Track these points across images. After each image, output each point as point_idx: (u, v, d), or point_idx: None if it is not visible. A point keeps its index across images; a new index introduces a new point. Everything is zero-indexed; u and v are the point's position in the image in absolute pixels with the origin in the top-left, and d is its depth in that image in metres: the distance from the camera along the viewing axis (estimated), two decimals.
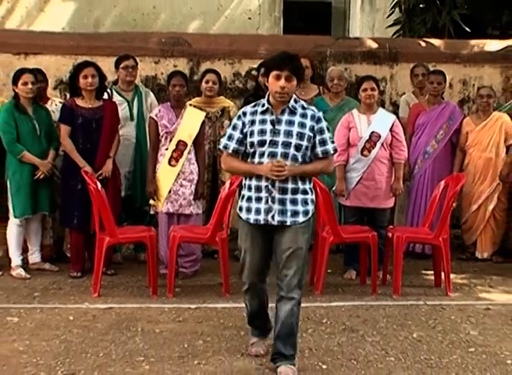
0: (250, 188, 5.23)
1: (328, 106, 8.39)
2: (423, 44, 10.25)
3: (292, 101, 5.21)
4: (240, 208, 5.33)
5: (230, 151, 5.28)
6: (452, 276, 7.68)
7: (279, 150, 5.12)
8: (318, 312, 6.74)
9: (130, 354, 5.76)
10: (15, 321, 6.47)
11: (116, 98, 8.17)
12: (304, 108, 5.27)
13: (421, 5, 11.21)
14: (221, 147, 5.42)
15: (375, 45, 10.15)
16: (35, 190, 7.74)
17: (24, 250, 7.97)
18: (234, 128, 5.30)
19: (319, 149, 5.23)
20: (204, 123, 7.79)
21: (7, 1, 12.38)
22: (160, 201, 7.68)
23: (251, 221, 5.21)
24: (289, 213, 5.13)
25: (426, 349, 6.01)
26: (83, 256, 7.87)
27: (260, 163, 5.16)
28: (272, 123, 5.16)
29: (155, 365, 5.55)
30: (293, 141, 5.12)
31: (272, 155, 5.11)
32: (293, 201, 5.16)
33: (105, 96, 7.91)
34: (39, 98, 8.01)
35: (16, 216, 7.71)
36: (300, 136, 5.14)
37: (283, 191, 5.12)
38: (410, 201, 8.76)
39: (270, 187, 5.11)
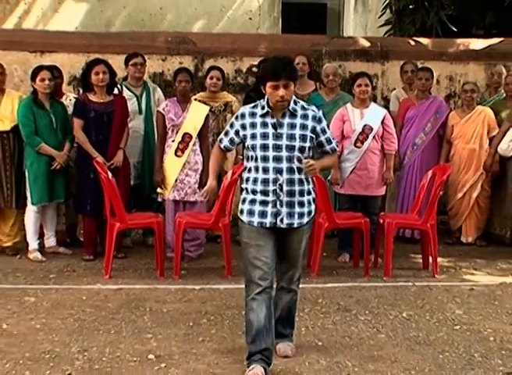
0: (254, 192, 4.84)
1: (324, 101, 8.39)
2: (412, 42, 10.24)
3: (292, 104, 4.83)
4: (242, 212, 4.91)
5: (222, 146, 5.09)
6: (439, 259, 7.68)
7: (284, 154, 4.75)
8: (314, 293, 6.74)
9: (139, 331, 5.78)
10: (32, 301, 6.49)
11: (126, 93, 8.15)
12: (304, 108, 4.89)
13: (410, 6, 11.21)
14: (218, 140, 5.20)
15: (367, 44, 10.13)
16: (51, 179, 7.75)
17: (40, 235, 7.98)
18: (231, 126, 5.00)
19: (328, 147, 5.00)
20: (208, 116, 7.78)
21: (24, 3, 12.36)
22: (167, 190, 7.69)
23: (255, 224, 4.81)
24: (296, 216, 4.82)
25: (415, 327, 6.03)
26: (95, 241, 7.89)
27: (265, 168, 4.77)
28: (274, 126, 4.78)
29: (162, 342, 5.57)
30: (297, 144, 4.76)
31: (277, 159, 4.75)
32: (300, 203, 4.84)
33: (116, 91, 7.90)
34: (55, 93, 8.00)
35: (33, 203, 7.73)
36: (303, 138, 4.79)
37: (291, 193, 4.79)
38: (400, 189, 8.75)
39: (278, 190, 4.76)
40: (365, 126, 7.67)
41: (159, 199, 7.99)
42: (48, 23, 12.30)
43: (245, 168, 4.96)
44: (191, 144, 7.63)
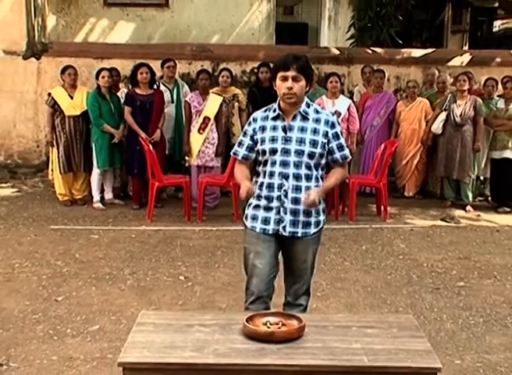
0: (259, 197, 3.50)
1: None
2: (370, 51, 10.12)
3: (304, 106, 3.45)
4: (246, 217, 3.59)
5: (240, 157, 3.58)
6: (388, 208, 7.65)
7: (292, 158, 3.39)
8: None
9: (172, 260, 5.79)
10: (96, 238, 6.50)
11: (162, 87, 8.04)
12: (317, 112, 3.49)
13: (368, 25, 11.08)
14: (232, 153, 3.71)
15: (337, 52, 10.03)
16: (111, 150, 7.74)
17: (101, 190, 7.95)
18: (245, 134, 3.57)
19: (338, 155, 3.50)
20: (221, 104, 7.67)
21: (89, 23, 12.25)
22: (192, 158, 7.64)
23: (257, 230, 3.49)
24: (300, 224, 3.45)
25: (370, 257, 6.04)
26: (140, 195, 7.84)
27: (271, 172, 3.44)
28: (284, 129, 3.42)
29: (189, 267, 5.59)
30: (307, 148, 3.39)
31: (284, 163, 3.40)
32: (307, 213, 3.45)
33: (155, 86, 7.81)
34: (114, 88, 8.00)
35: (98, 168, 7.74)
36: (314, 143, 3.40)
37: (296, 201, 3.41)
38: (361, 157, 8.67)
39: (282, 196, 3.42)
40: (335, 111, 7.57)
41: (186, 165, 7.93)
42: (106, 38, 12.22)
43: (255, 171, 3.63)
44: (210, 124, 7.54)
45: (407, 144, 8.48)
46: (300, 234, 3.48)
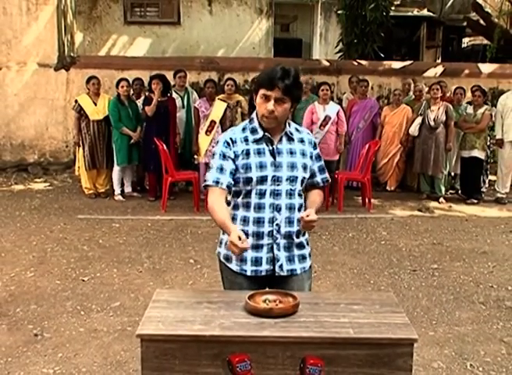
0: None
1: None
2: (356, 63, 10.08)
3: (287, 125, 2.54)
4: (227, 258, 2.57)
5: (224, 186, 2.45)
6: (372, 200, 7.63)
7: (284, 187, 2.48)
8: None
9: (184, 245, 5.78)
10: (117, 226, 6.49)
11: (174, 94, 8.01)
12: (298, 131, 2.60)
13: (355, 41, 11.05)
14: (210, 182, 2.46)
15: (327, 64, 10.00)
16: (129, 149, 7.72)
17: (121, 184, 7.93)
18: (224, 158, 2.46)
19: (319, 177, 2.67)
20: (226, 109, 7.63)
21: (111, 39, 12.31)
22: (200, 156, 7.60)
23: (248, 273, 2.50)
24: (297, 259, 2.55)
25: (357, 243, 6.03)
26: (156, 188, 7.82)
27: (260, 204, 2.47)
28: (272, 154, 2.48)
29: (198, 252, 5.58)
30: (300, 174, 2.51)
31: (276, 193, 2.47)
32: (299, 245, 2.57)
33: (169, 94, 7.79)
34: (137, 95, 8.01)
35: (118, 164, 7.73)
36: (305, 167, 2.53)
37: (289, 235, 2.51)
38: (349, 156, 8.63)
39: (275, 232, 2.48)
40: (326, 116, 7.58)
41: (196, 162, 7.86)
42: (126, 52, 12.26)
43: (228, 203, 2.56)
44: (215, 127, 7.50)
45: (389, 145, 8.44)
46: (298, 271, 2.57)
